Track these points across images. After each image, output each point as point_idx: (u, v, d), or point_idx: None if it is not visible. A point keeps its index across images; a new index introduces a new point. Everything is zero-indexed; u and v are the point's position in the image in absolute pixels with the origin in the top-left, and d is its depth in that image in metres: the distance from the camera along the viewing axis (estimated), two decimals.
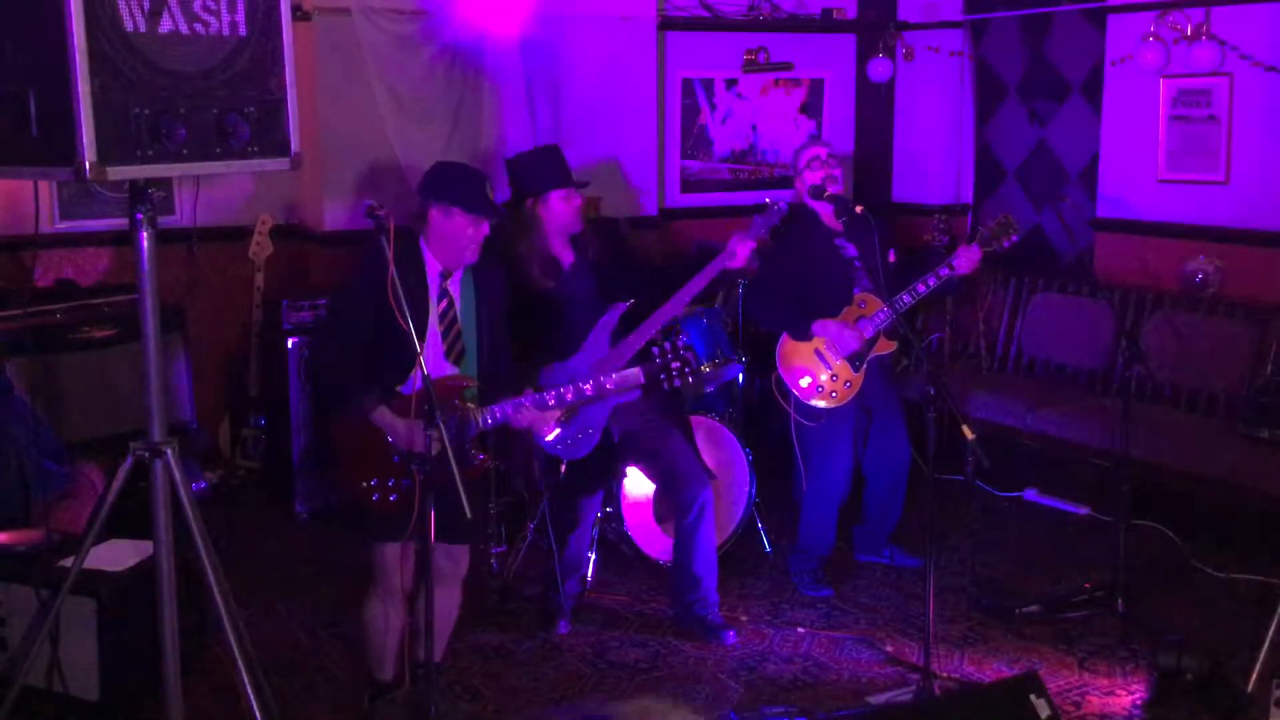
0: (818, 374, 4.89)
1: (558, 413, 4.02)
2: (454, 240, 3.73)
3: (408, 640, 3.90)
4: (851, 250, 4.99)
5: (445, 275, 3.79)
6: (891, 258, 5.04)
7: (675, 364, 3.78)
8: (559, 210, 4.50)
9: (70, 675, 3.80)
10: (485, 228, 3.74)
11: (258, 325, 6.17)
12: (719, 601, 4.74)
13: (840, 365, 4.88)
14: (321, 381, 4.01)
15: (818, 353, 4.90)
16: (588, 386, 3.93)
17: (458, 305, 3.81)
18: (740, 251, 4.42)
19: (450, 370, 3.78)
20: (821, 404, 4.91)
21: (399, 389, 3.69)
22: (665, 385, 3.78)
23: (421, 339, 3.56)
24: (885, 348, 4.93)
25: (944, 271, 4.81)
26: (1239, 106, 5.99)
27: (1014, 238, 4.88)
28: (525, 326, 4.40)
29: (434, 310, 3.76)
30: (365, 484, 3.69)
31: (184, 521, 2.96)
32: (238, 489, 6.13)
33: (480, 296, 3.86)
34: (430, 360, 3.65)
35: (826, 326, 4.89)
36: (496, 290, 3.94)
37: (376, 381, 3.69)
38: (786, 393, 4.93)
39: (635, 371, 3.87)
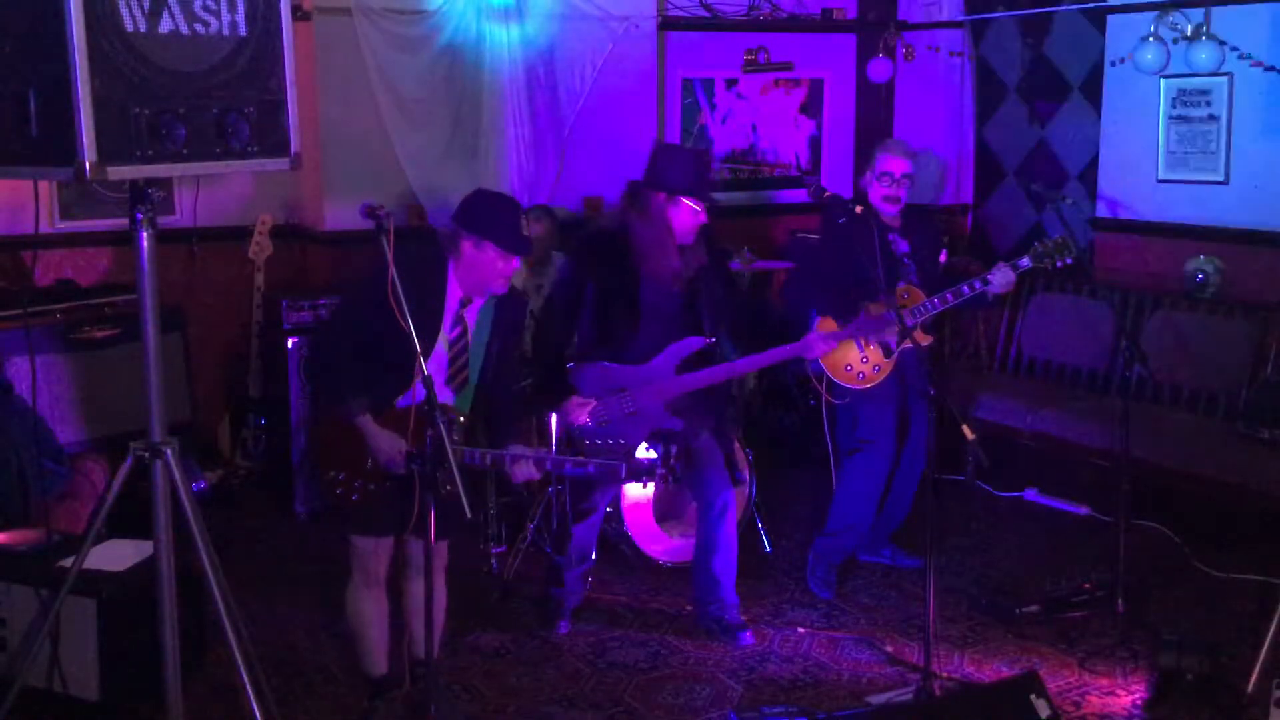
0: (850, 356, 4.92)
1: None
2: (483, 271, 3.70)
3: (406, 640, 3.90)
4: (904, 246, 5.05)
5: (464, 303, 3.76)
6: (943, 258, 5.07)
7: (661, 471, 3.75)
8: (685, 218, 4.41)
9: (70, 675, 3.80)
10: (515, 263, 3.72)
11: (258, 325, 6.18)
12: (738, 604, 4.72)
13: (872, 349, 4.90)
14: (317, 379, 4.02)
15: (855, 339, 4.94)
16: (573, 464, 3.86)
17: (470, 335, 3.79)
18: (817, 349, 4.64)
19: (448, 399, 3.75)
20: (851, 385, 4.93)
21: (396, 401, 3.69)
22: (643, 486, 3.75)
23: (425, 359, 3.55)
24: (922, 340, 4.93)
25: (977, 285, 4.79)
26: (1239, 106, 5.99)
27: (1068, 260, 4.78)
28: (604, 317, 4.41)
29: (445, 336, 3.74)
30: (332, 474, 3.72)
31: (184, 521, 2.96)
32: (237, 489, 6.13)
33: (497, 327, 3.83)
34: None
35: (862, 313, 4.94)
36: (515, 322, 3.94)
37: (376, 387, 3.68)
38: (819, 372, 4.95)
39: (618, 466, 3.77)
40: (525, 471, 3.76)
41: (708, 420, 4.60)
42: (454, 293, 3.74)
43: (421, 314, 3.44)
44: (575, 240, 4.73)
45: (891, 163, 5.02)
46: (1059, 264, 4.82)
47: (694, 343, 4.45)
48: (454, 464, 3.27)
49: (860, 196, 5.01)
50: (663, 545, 5.16)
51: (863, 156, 7.78)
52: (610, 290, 4.44)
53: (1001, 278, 4.78)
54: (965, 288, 4.80)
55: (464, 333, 3.77)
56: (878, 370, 4.91)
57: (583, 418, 4.37)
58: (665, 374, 4.44)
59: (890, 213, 5.01)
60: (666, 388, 4.43)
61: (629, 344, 4.47)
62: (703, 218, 4.45)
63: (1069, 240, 4.81)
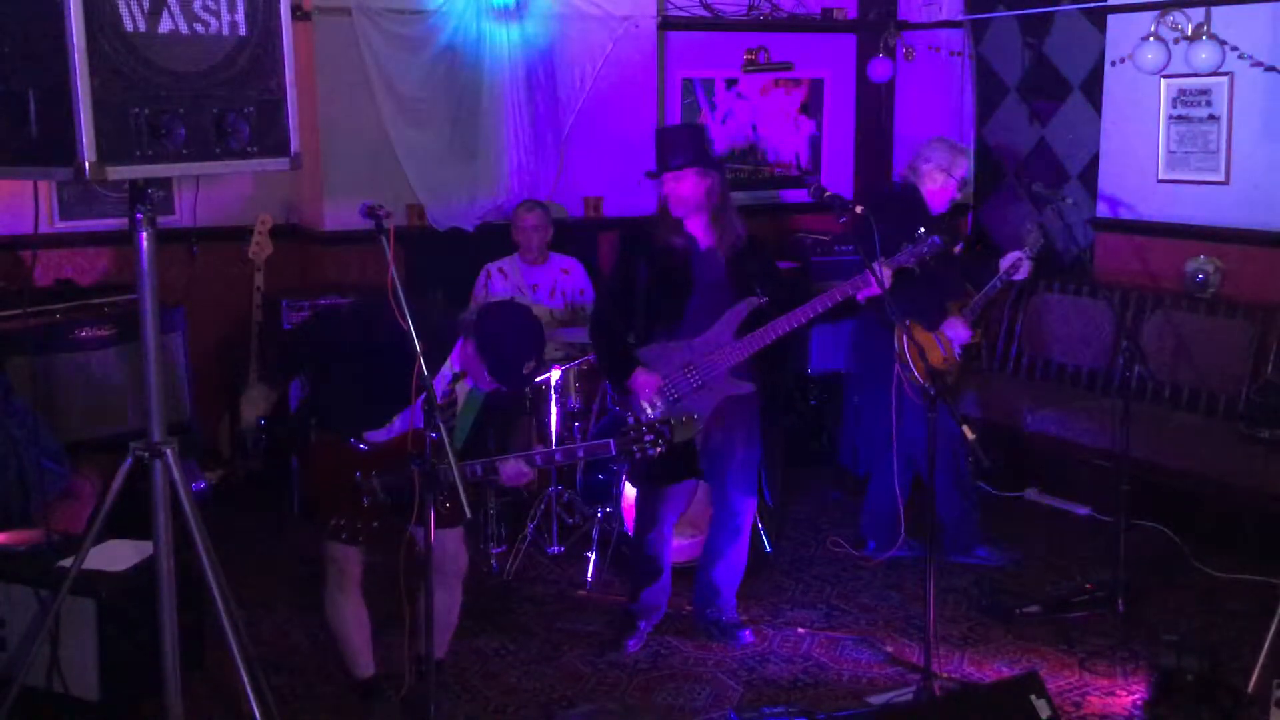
0: (937, 361, 5.05)
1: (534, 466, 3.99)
2: (473, 369, 3.74)
3: (408, 637, 3.90)
4: None
5: (458, 377, 3.79)
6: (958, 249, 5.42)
7: (649, 436, 3.77)
8: (668, 190, 4.41)
9: (70, 676, 3.80)
10: (502, 388, 3.75)
11: (258, 325, 6.17)
12: (735, 605, 4.73)
13: (953, 351, 5.14)
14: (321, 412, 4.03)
15: (937, 339, 5.09)
16: (559, 453, 4.08)
17: (459, 405, 3.83)
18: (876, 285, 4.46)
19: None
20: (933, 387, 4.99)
21: (380, 434, 3.73)
22: (637, 454, 3.78)
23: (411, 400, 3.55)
24: (976, 339, 5.24)
25: (1017, 276, 5.20)
26: (1239, 106, 5.99)
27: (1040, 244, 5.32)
28: (654, 294, 4.41)
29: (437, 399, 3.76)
30: (334, 522, 3.76)
31: (183, 522, 2.96)
32: (237, 489, 6.12)
33: (485, 412, 3.87)
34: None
35: (951, 322, 5.19)
36: (502, 408, 3.96)
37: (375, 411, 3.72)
38: (910, 377, 4.97)
39: (608, 442, 3.83)
40: (516, 471, 3.76)
41: (742, 424, 4.55)
42: (455, 361, 3.77)
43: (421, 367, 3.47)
44: (623, 230, 4.85)
45: (964, 167, 5.30)
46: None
47: (750, 303, 4.41)
48: (453, 462, 3.26)
49: (909, 190, 5.20)
50: None
51: (863, 156, 7.82)
52: (662, 268, 4.42)
53: (1027, 268, 5.18)
54: (998, 281, 5.21)
55: (451, 403, 3.80)
56: (952, 372, 5.04)
57: (652, 394, 4.36)
58: (725, 340, 4.40)
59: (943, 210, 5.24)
60: (730, 354, 4.38)
61: (680, 320, 4.45)
62: (683, 186, 4.36)
63: (1042, 230, 5.33)
